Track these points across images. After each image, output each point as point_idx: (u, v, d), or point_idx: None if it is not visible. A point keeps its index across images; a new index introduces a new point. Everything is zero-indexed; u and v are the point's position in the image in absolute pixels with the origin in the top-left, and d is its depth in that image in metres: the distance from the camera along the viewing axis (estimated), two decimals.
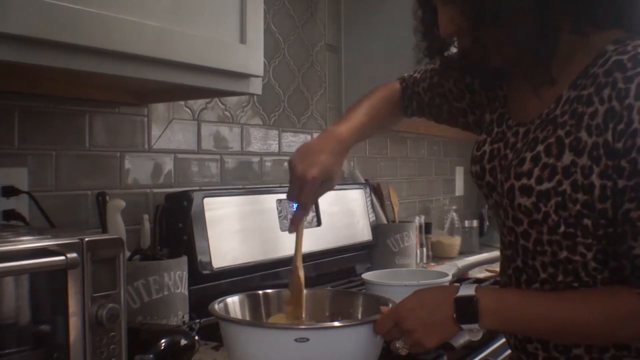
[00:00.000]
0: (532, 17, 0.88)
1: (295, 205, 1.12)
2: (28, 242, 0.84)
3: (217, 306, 1.06)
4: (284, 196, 1.77)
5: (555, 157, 0.91)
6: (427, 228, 2.50)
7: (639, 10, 0.93)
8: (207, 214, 1.53)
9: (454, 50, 1.08)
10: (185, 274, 1.32)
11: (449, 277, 1.48)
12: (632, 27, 0.93)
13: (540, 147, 0.93)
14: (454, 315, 0.93)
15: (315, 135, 2.09)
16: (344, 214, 2.02)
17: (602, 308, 0.89)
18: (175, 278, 1.28)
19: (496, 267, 2.02)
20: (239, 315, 1.11)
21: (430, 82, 1.24)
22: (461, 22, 0.93)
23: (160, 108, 1.60)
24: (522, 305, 0.94)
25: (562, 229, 0.92)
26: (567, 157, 0.89)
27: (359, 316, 1.13)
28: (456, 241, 2.64)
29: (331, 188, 1.12)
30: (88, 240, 0.87)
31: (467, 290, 0.94)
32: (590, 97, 0.89)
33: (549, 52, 0.91)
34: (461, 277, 2.00)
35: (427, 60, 1.14)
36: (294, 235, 1.14)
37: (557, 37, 0.90)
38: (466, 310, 0.92)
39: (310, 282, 1.84)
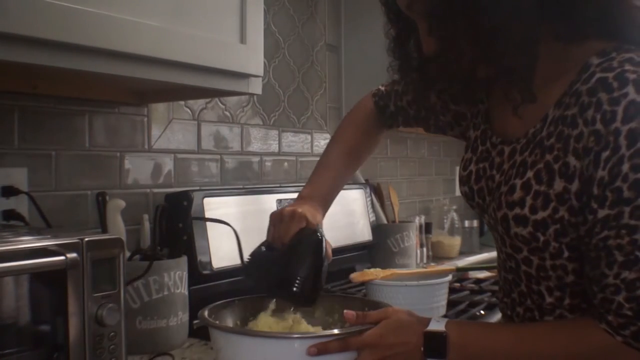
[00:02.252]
0: (511, 32, 0.84)
1: None
2: (28, 242, 0.84)
3: (206, 312, 1.07)
4: (284, 196, 1.77)
5: (546, 184, 0.88)
6: (427, 228, 2.50)
7: (622, 16, 0.89)
8: (207, 214, 1.53)
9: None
10: (185, 274, 1.32)
11: (449, 277, 1.48)
12: (616, 34, 0.88)
13: (529, 174, 0.90)
14: (422, 349, 0.94)
15: (315, 140, 2.10)
16: (344, 214, 2.02)
17: (565, 344, 0.88)
18: (175, 278, 1.28)
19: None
20: (227, 322, 1.12)
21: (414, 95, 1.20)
22: (441, 41, 0.89)
23: (160, 108, 1.60)
24: (485, 340, 0.94)
25: (566, 254, 0.89)
26: (559, 184, 0.86)
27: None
28: (456, 241, 2.64)
29: None
30: (88, 240, 0.88)
31: (437, 325, 0.95)
32: (575, 118, 0.85)
33: (527, 68, 0.87)
34: (461, 277, 2.00)
35: (401, 79, 1.13)
36: None
37: (535, 52, 0.86)
38: (435, 345, 0.94)
39: None
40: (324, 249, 1.07)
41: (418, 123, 1.25)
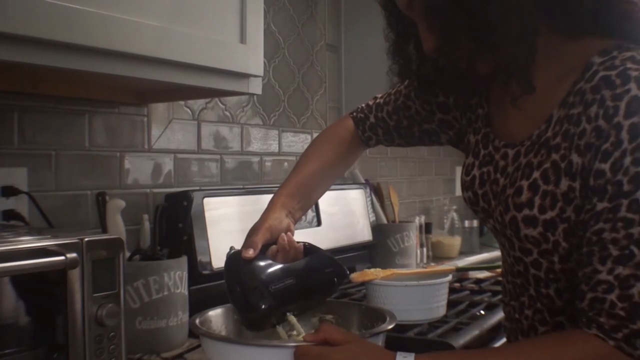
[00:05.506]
0: (509, 24, 0.84)
1: None
2: (28, 242, 0.84)
3: (197, 320, 1.03)
4: None
5: (553, 184, 0.87)
6: (427, 228, 2.50)
7: (616, 10, 0.89)
8: (207, 214, 1.53)
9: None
10: (185, 274, 1.32)
11: (449, 277, 1.48)
12: (612, 31, 0.88)
13: (536, 174, 0.89)
14: None
15: (315, 134, 2.10)
16: (344, 214, 2.02)
17: (555, 358, 0.82)
18: (175, 278, 1.28)
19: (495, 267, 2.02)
20: (221, 330, 1.09)
21: (395, 104, 1.18)
22: (441, 36, 0.89)
23: (160, 108, 1.60)
24: None
25: (574, 255, 0.87)
26: (564, 183, 0.86)
27: (355, 329, 1.12)
28: (456, 241, 2.64)
29: None
30: (88, 240, 0.88)
31: (405, 358, 0.85)
32: (580, 116, 0.85)
33: (525, 60, 0.86)
34: (461, 277, 2.00)
35: (400, 83, 1.10)
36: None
37: (533, 44, 0.86)
38: None
39: None
40: (238, 264, 1.03)
41: (400, 134, 1.20)
